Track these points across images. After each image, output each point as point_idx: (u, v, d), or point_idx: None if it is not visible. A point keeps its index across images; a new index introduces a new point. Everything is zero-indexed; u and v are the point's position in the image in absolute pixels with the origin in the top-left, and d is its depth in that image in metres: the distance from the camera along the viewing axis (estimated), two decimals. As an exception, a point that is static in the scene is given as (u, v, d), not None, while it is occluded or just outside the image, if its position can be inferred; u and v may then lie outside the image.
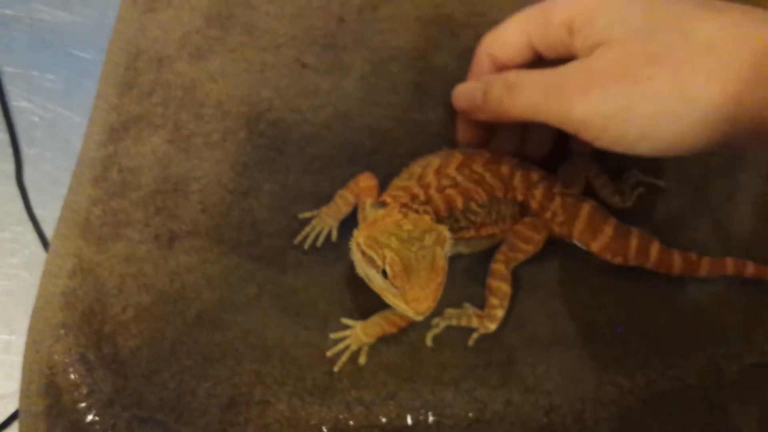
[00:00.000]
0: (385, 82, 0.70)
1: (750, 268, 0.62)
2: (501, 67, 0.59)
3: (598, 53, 0.51)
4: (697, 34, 0.49)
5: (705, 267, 0.62)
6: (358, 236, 0.55)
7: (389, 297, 0.53)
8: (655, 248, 0.62)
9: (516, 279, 0.62)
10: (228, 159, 0.64)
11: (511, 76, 0.55)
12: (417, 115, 0.69)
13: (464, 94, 0.60)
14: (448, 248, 0.55)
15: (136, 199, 0.62)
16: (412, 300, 0.51)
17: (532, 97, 0.53)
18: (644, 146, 0.52)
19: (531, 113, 0.53)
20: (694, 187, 0.67)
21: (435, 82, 0.70)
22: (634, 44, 0.50)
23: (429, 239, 0.53)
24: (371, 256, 0.53)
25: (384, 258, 0.52)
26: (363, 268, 0.55)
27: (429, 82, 0.70)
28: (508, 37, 0.57)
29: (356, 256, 0.55)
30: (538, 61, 0.57)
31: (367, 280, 0.55)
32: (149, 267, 0.60)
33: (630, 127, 0.50)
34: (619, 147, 0.52)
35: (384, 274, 0.52)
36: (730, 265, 0.62)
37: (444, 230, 0.55)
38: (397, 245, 0.52)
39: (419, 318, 0.52)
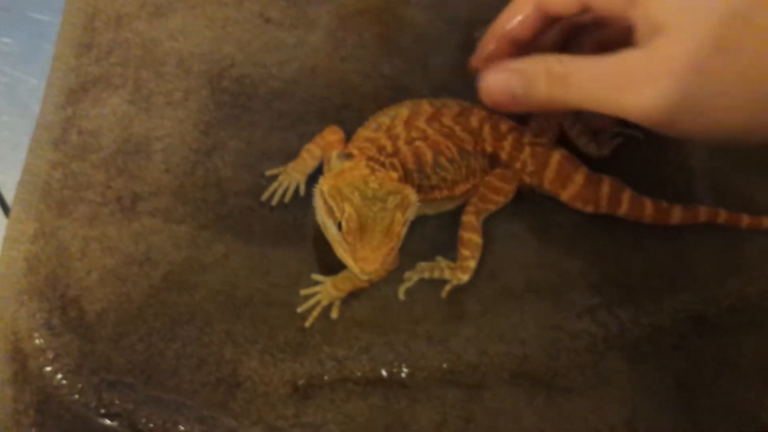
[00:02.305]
0: (352, 36, 0.71)
1: (722, 216, 0.64)
2: (544, 14, 0.56)
3: (664, 41, 0.49)
4: (764, 22, 0.47)
5: (677, 215, 0.63)
6: (323, 184, 0.57)
7: (339, 250, 0.55)
8: (626, 196, 0.63)
9: (488, 230, 0.63)
10: (191, 118, 0.65)
11: (557, 66, 0.51)
12: (386, 69, 0.70)
13: (498, 87, 0.55)
14: (411, 213, 0.57)
15: (97, 161, 0.63)
16: (360, 259, 0.53)
17: (591, 90, 0.50)
18: (714, 137, 0.52)
19: (586, 105, 0.51)
20: (667, 139, 0.68)
21: (403, 35, 0.71)
22: (702, 32, 0.48)
23: (392, 202, 0.55)
24: (331, 206, 0.55)
25: (343, 211, 0.54)
26: (321, 216, 0.56)
27: (396, 35, 0.71)
28: None
29: (318, 203, 0.57)
30: (586, 11, 0.54)
31: (323, 228, 0.57)
32: (113, 230, 0.61)
33: (700, 118, 0.48)
34: (687, 136, 0.52)
35: (339, 226, 0.54)
36: (702, 213, 0.64)
37: (410, 193, 0.57)
38: (358, 201, 0.54)
39: (364, 277, 0.54)
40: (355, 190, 0.55)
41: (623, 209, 0.63)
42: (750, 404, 0.59)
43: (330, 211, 0.55)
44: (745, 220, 0.64)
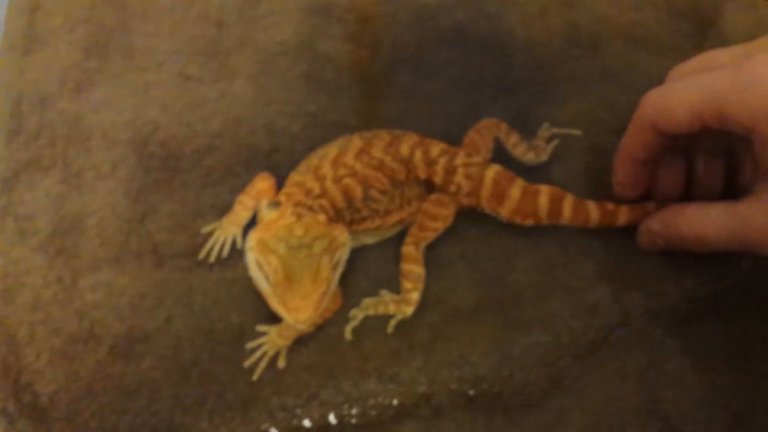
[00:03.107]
0: (275, 79, 0.73)
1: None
2: (666, 137, 0.59)
3: None
4: None
5: (624, 215, 0.64)
6: (250, 239, 0.59)
7: (272, 303, 0.57)
8: (568, 203, 0.64)
9: (431, 256, 0.65)
10: (120, 188, 0.68)
11: (690, 234, 0.58)
12: (312, 106, 0.72)
13: (648, 245, 0.64)
14: (342, 253, 0.59)
15: (36, 245, 0.66)
16: (292, 309, 0.55)
17: (724, 238, 0.56)
18: None
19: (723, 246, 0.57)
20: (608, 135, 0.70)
21: (325, 70, 0.74)
22: None
23: (319, 246, 0.57)
24: (259, 260, 0.57)
25: (269, 264, 0.56)
26: (253, 271, 0.58)
27: (320, 71, 0.74)
28: (677, 118, 0.56)
29: (248, 259, 0.59)
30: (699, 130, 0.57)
31: (255, 283, 0.59)
32: (56, 310, 0.64)
33: None
34: None
35: (269, 279, 0.56)
36: (650, 209, 0.64)
37: (339, 234, 0.59)
38: (284, 252, 0.56)
39: (300, 327, 0.56)
40: (280, 241, 0.57)
41: (566, 217, 0.64)
42: (721, 392, 0.60)
43: (259, 266, 0.57)
44: None
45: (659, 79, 0.62)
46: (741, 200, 0.55)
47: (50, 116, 0.71)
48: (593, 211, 0.64)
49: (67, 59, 0.73)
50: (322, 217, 0.59)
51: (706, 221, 0.56)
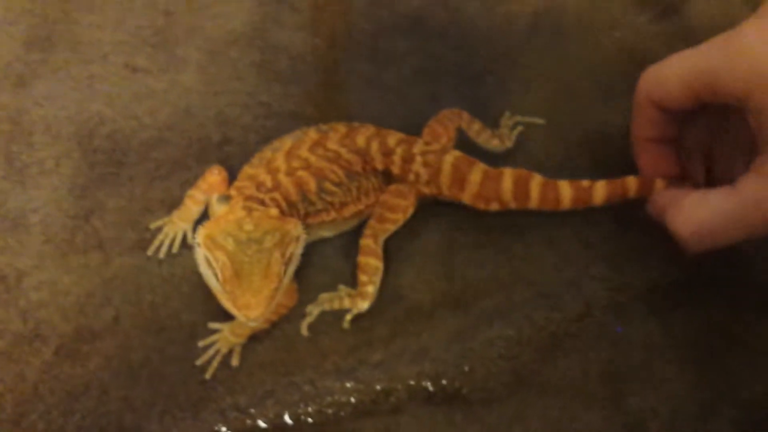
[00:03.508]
0: (226, 69, 0.73)
1: (659, 184, 0.62)
2: (666, 111, 0.59)
3: None
4: None
5: (601, 191, 0.63)
6: (199, 235, 0.58)
7: (222, 300, 0.56)
8: (535, 184, 0.63)
9: (391, 250, 0.65)
10: (65, 183, 0.67)
11: (696, 213, 0.55)
12: (265, 97, 0.72)
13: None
14: (296, 248, 0.58)
15: (-23, 244, 0.65)
16: (242, 306, 0.54)
17: (728, 225, 0.54)
18: None
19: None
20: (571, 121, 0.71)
21: (279, 59, 0.73)
22: None
23: (270, 241, 0.56)
24: (207, 256, 0.56)
25: (217, 260, 0.55)
26: (202, 268, 0.57)
27: (273, 60, 0.73)
28: (670, 90, 0.56)
29: (197, 255, 0.58)
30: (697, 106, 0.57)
31: (205, 280, 0.58)
32: (0, 311, 0.63)
33: None
34: None
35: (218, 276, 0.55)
36: (632, 184, 0.62)
37: (292, 228, 0.58)
38: (232, 247, 0.55)
39: (252, 324, 0.56)
40: (228, 236, 0.56)
41: (534, 199, 0.63)
42: (686, 384, 0.60)
43: (208, 262, 0.56)
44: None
45: (621, 68, 0.63)
46: (739, 180, 0.54)
47: (-8, 111, 0.70)
48: (565, 190, 0.63)
49: (9, 52, 0.72)
50: (273, 211, 0.58)
51: (703, 211, 0.54)
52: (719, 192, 0.54)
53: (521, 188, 0.63)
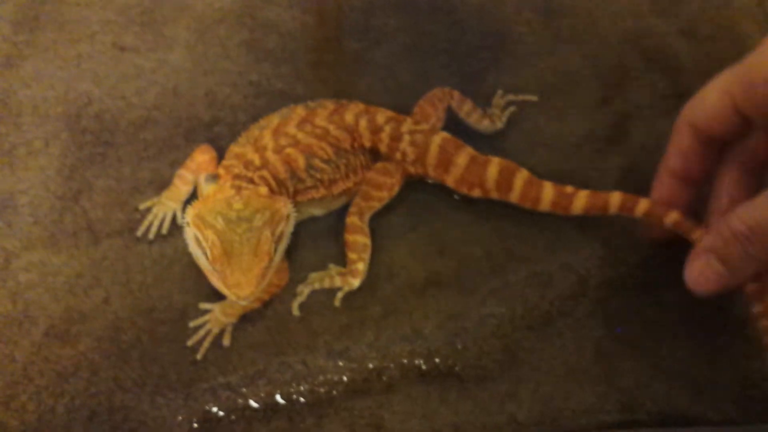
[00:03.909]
0: (214, 48, 0.73)
1: (643, 205, 0.61)
2: (704, 139, 0.57)
3: None
4: None
5: (581, 201, 0.62)
6: (188, 214, 0.58)
7: (212, 279, 0.56)
8: (521, 178, 0.64)
9: (382, 228, 0.66)
10: (53, 164, 0.68)
11: (739, 225, 0.52)
12: (254, 75, 0.72)
13: (705, 277, 0.55)
14: (285, 226, 0.59)
15: (-35, 225, 0.66)
16: (233, 285, 0.55)
17: None
18: None
19: None
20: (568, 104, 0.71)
21: (268, 37, 0.74)
22: None
23: (259, 219, 0.57)
24: (197, 235, 0.57)
25: (207, 239, 0.55)
26: (192, 247, 0.58)
27: (262, 39, 0.74)
28: (710, 103, 0.54)
29: (186, 234, 0.59)
30: (747, 125, 0.55)
31: (195, 259, 0.58)
32: (-11, 292, 0.63)
33: None
34: None
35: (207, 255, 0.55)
36: (615, 200, 0.62)
37: (282, 207, 0.58)
38: (222, 226, 0.56)
39: (243, 303, 0.56)
40: (217, 215, 0.56)
41: (516, 192, 0.64)
42: (680, 362, 0.60)
43: (197, 241, 0.57)
44: (673, 216, 0.59)
45: (616, 42, 0.63)
46: None
47: (-21, 93, 0.70)
48: (547, 192, 0.63)
49: (-4, 33, 0.72)
50: (263, 190, 0.59)
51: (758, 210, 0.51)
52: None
53: (505, 179, 0.63)
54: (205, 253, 0.56)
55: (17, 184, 0.67)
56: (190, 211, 0.58)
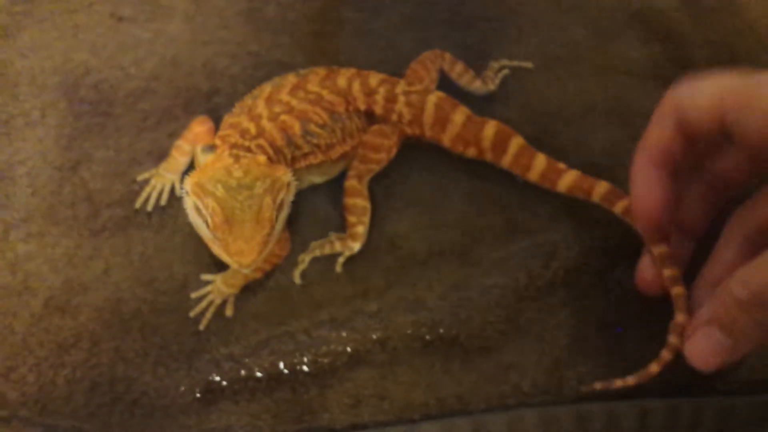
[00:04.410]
0: (213, 17, 0.73)
1: (623, 203, 0.61)
2: (684, 129, 0.54)
3: None
4: None
5: (569, 179, 0.63)
6: (187, 183, 0.59)
7: (214, 248, 0.57)
8: (515, 143, 0.65)
9: (384, 199, 0.66)
10: (51, 134, 0.68)
11: (742, 291, 0.49)
12: (253, 46, 0.73)
13: (709, 352, 0.53)
14: (286, 194, 0.59)
15: (-37, 196, 0.66)
16: (235, 253, 0.55)
17: None
18: None
19: None
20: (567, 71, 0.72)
21: (268, 7, 0.74)
22: None
23: (260, 187, 0.57)
24: (197, 204, 0.57)
25: (207, 207, 0.56)
26: (192, 217, 0.59)
27: (261, 8, 0.74)
28: (700, 100, 0.52)
29: (186, 204, 0.59)
30: (722, 139, 0.53)
31: (196, 229, 0.59)
32: (-13, 264, 0.64)
33: None
34: None
35: (208, 224, 0.56)
36: (600, 189, 0.62)
37: (283, 175, 0.59)
38: (222, 194, 0.56)
39: (245, 271, 0.56)
40: (217, 183, 0.57)
41: (509, 157, 0.65)
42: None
43: (197, 210, 0.57)
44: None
45: (618, 13, 0.64)
46: None
47: (-25, 62, 0.71)
48: (539, 162, 0.64)
49: (-8, 3, 0.73)
50: (262, 158, 0.60)
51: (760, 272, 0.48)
52: None
53: (501, 141, 0.65)
54: (206, 222, 0.56)
55: (15, 155, 0.67)
56: (189, 180, 0.59)
